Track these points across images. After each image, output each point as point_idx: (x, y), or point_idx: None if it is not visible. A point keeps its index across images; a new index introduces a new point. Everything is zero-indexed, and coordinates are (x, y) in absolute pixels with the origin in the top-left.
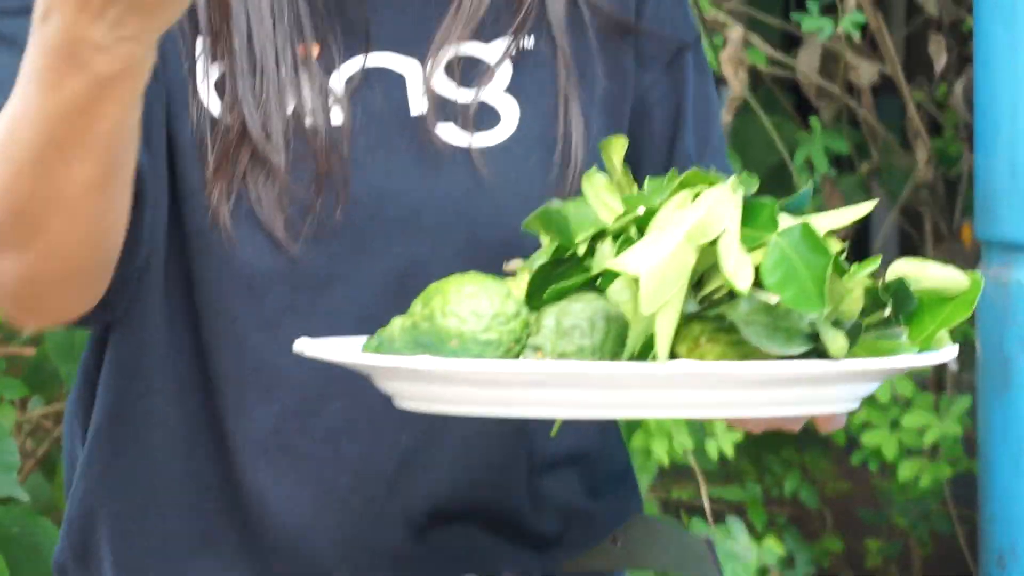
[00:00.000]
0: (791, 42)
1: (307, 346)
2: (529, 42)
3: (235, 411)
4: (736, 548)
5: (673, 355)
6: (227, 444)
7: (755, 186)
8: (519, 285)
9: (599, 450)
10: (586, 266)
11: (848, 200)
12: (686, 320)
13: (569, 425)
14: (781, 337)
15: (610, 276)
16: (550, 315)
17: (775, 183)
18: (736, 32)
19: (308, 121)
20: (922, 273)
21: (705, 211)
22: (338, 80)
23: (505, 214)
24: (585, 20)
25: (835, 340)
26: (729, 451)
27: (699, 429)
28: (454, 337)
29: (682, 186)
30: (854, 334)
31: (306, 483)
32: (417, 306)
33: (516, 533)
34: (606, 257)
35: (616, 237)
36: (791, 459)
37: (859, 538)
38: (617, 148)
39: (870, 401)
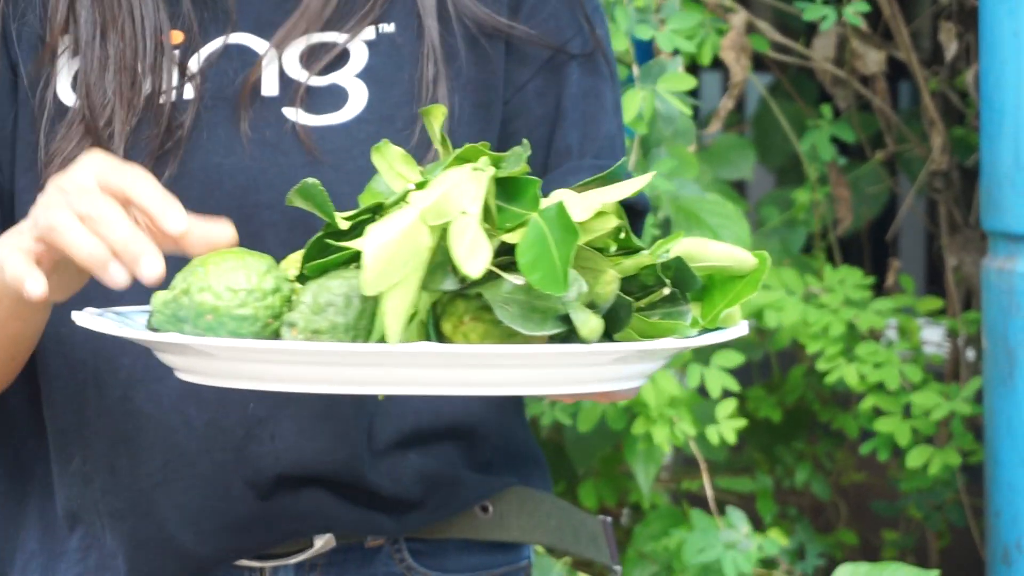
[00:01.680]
0: (815, 30)
1: (80, 316)
2: (389, 28)
3: (95, 382)
4: (735, 538)
5: (439, 331)
6: (85, 416)
7: (521, 164)
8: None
9: (490, 426)
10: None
11: (860, 188)
12: (451, 298)
13: (450, 402)
14: (536, 318)
15: None
16: (308, 291)
17: (794, 172)
18: (739, 18)
19: (162, 99)
20: (706, 251)
21: (441, 192)
22: (196, 60)
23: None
24: (450, 11)
25: (586, 323)
26: (731, 437)
27: (703, 417)
28: (209, 312)
29: (458, 160)
30: (624, 314)
31: (155, 447)
32: (178, 280)
33: (367, 498)
34: None
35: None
36: (803, 450)
37: (875, 530)
38: (437, 115)
39: (879, 389)
